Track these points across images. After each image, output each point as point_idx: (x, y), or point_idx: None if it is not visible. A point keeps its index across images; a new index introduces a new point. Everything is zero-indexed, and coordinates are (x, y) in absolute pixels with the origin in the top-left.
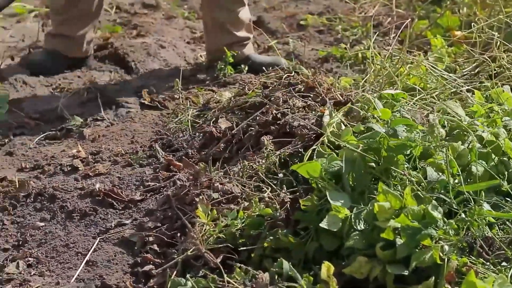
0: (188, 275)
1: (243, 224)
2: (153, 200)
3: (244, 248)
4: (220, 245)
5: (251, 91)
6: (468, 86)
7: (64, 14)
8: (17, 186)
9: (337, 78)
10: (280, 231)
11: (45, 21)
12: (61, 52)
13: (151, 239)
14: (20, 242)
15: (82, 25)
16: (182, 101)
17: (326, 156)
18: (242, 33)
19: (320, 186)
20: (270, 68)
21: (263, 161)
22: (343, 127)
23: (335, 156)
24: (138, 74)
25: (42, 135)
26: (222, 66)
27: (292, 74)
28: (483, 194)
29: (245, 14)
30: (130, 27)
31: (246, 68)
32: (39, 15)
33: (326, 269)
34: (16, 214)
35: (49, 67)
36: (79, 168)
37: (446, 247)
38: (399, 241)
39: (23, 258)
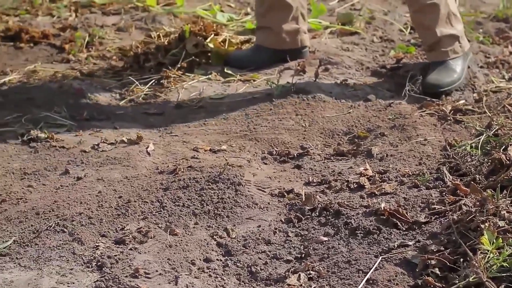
0: None
1: None
2: (438, 223)
3: None
4: (503, 274)
5: None
6: None
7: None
8: (304, 199)
9: None
10: None
11: (340, 38)
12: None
13: (433, 262)
14: (303, 255)
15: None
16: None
17: None
18: None
19: None
20: None
21: None
22: None
23: None
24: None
25: (327, 150)
26: None
27: None
28: None
29: None
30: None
31: None
32: (335, 32)
33: None
34: (300, 227)
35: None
36: (365, 186)
37: None
38: None
39: (304, 271)
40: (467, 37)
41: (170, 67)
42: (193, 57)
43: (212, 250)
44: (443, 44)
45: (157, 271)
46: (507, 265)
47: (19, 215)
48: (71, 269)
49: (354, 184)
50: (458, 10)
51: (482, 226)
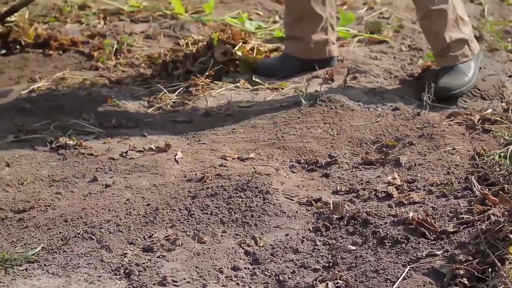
0: None
1: None
2: (466, 233)
3: None
4: None
5: None
6: None
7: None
8: (332, 208)
9: None
10: None
11: (368, 46)
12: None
13: (461, 272)
14: (331, 264)
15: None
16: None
17: None
18: None
19: None
20: None
21: None
22: None
23: None
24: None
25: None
26: None
27: None
28: None
29: None
30: None
31: None
32: (363, 40)
33: None
34: (328, 236)
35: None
36: (393, 195)
37: None
38: None
39: (332, 280)
40: (496, 46)
41: (198, 75)
42: (221, 65)
43: (240, 258)
44: (452, 49)
45: (184, 279)
46: None
47: (48, 222)
48: (99, 277)
49: (382, 193)
50: (465, 13)
51: (511, 236)
